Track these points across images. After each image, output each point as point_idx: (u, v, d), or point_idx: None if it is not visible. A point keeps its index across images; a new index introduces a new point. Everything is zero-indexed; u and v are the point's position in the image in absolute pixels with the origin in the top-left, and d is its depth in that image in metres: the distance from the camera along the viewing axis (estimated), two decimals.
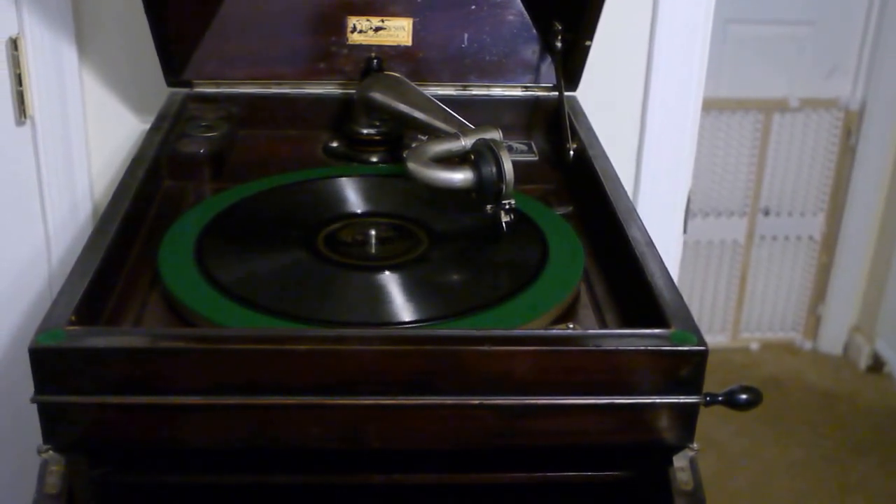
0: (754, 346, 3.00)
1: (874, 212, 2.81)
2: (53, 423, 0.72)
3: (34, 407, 0.73)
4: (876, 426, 2.63)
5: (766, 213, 2.86)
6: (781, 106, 2.74)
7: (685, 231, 1.48)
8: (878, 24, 2.66)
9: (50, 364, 0.71)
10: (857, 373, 2.88)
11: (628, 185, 1.43)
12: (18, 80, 1.24)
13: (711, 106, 2.68)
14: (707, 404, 0.77)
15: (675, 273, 1.49)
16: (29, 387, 0.72)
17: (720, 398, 0.78)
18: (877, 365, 2.87)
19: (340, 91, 1.22)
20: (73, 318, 0.74)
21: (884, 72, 2.68)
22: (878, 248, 2.83)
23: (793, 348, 3.01)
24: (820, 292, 2.97)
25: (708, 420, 2.51)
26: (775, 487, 2.40)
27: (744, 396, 0.79)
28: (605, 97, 1.34)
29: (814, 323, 3.00)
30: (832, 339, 2.98)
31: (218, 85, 1.21)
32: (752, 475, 2.44)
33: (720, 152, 2.77)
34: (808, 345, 3.01)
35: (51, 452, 0.73)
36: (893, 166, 2.75)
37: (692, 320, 0.77)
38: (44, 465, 0.73)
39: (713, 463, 2.45)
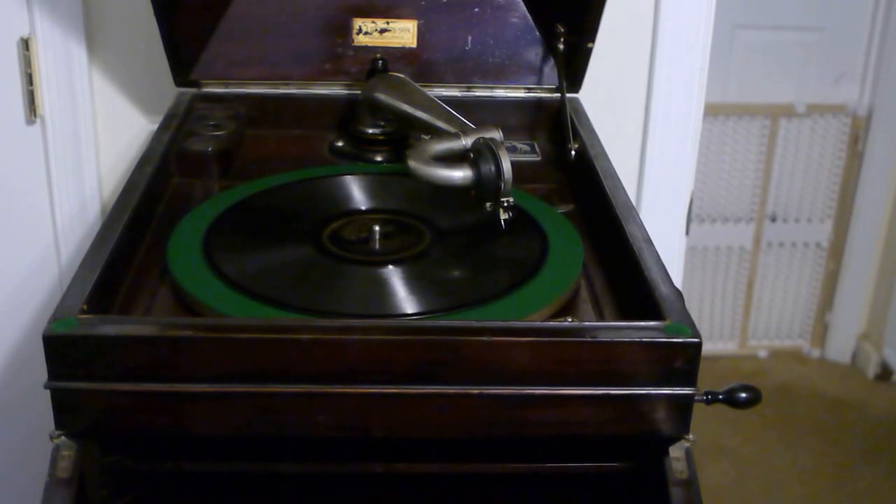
0: (762, 353, 2.98)
1: (882, 218, 2.79)
2: (65, 409, 0.74)
3: (44, 401, 0.75)
4: (884, 435, 2.62)
5: (773, 219, 2.85)
6: (788, 112, 2.73)
7: (687, 233, 1.49)
8: (885, 30, 2.66)
9: (63, 351, 0.72)
10: (865, 381, 2.86)
11: (631, 187, 1.44)
12: (29, 79, 1.25)
13: (718, 111, 2.68)
14: (708, 402, 0.78)
15: (678, 275, 1.49)
16: (40, 381, 0.73)
17: (720, 396, 0.79)
18: (885, 373, 2.85)
19: (346, 92, 1.24)
20: (85, 306, 0.75)
21: (891, 77, 2.67)
22: (886, 255, 2.82)
23: (801, 356, 2.99)
24: (827, 300, 2.95)
25: (719, 427, 2.52)
26: (786, 494, 2.40)
27: (743, 395, 0.80)
28: (607, 99, 1.36)
29: (821, 331, 2.98)
30: (840, 347, 2.96)
31: (226, 85, 1.23)
32: (762, 482, 2.44)
33: (727, 158, 2.76)
34: (815, 353, 2.99)
35: (63, 438, 0.74)
36: None
37: (687, 313, 0.78)
38: (56, 451, 0.74)
39: (725, 469, 2.45)
